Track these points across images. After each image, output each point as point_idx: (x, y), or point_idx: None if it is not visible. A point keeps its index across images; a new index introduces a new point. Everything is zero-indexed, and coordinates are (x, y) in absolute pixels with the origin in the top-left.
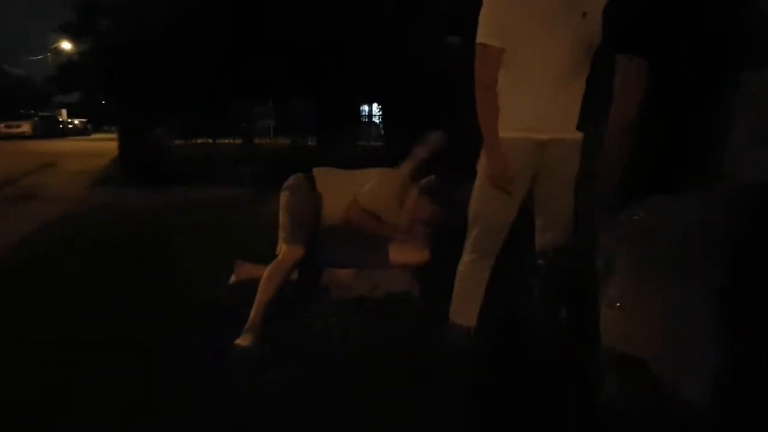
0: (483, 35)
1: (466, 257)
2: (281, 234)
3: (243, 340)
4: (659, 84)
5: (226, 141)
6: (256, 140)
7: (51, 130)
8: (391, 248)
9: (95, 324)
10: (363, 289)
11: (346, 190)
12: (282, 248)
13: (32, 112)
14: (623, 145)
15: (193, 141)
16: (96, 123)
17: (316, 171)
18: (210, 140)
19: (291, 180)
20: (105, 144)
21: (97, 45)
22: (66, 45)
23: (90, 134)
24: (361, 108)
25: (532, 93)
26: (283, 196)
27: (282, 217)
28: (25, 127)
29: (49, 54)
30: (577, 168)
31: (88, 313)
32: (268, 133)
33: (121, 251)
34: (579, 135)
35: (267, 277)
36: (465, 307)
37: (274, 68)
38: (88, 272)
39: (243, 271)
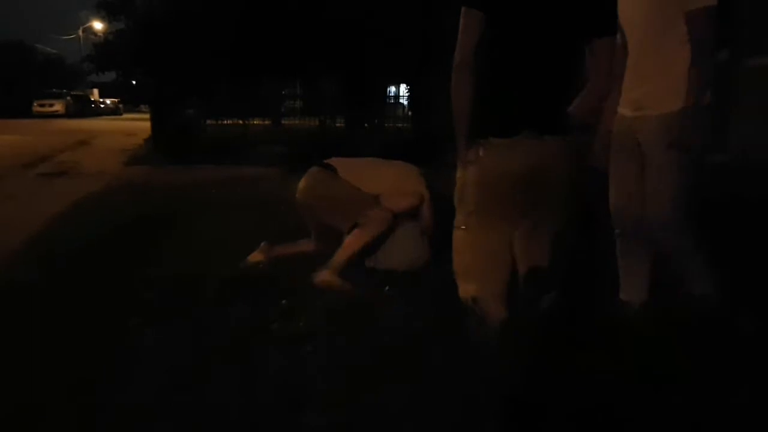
0: None
1: None
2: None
3: (325, 275)
4: (515, 45)
5: (256, 121)
6: (284, 121)
7: (83, 109)
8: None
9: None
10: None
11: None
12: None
13: (64, 91)
14: (466, 91)
15: (224, 121)
16: (128, 103)
17: (334, 161)
18: (240, 121)
19: (314, 171)
20: (138, 123)
21: (132, 23)
22: (98, 25)
23: (121, 114)
24: (388, 89)
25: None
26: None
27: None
28: (58, 106)
29: (81, 33)
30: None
31: (115, 288)
32: (297, 114)
33: (149, 227)
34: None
35: (363, 228)
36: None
37: (303, 48)
38: (116, 247)
39: (267, 251)
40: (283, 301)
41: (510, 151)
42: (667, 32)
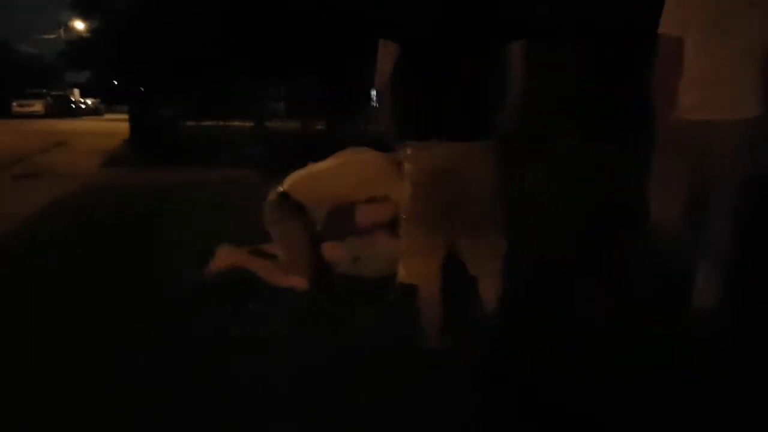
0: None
1: None
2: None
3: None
4: (426, 63)
5: (237, 123)
6: (267, 123)
7: (63, 109)
8: (358, 209)
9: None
10: (346, 262)
11: (323, 192)
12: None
13: (44, 91)
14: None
15: (204, 122)
16: (108, 103)
17: (288, 186)
18: (221, 122)
19: (269, 208)
20: (118, 124)
21: (107, 21)
22: (79, 24)
23: (102, 114)
24: (371, 91)
25: None
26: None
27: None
28: (38, 106)
29: (62, 32)
30: None
31: (77, 293)
32: (280, 116)
33: (119, 231)
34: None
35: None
36: None
37: (283, 49)
38: (83, 252)
39: (222, 257)
40: (250, 305)
41: (425, 153)
42: (734, 33)
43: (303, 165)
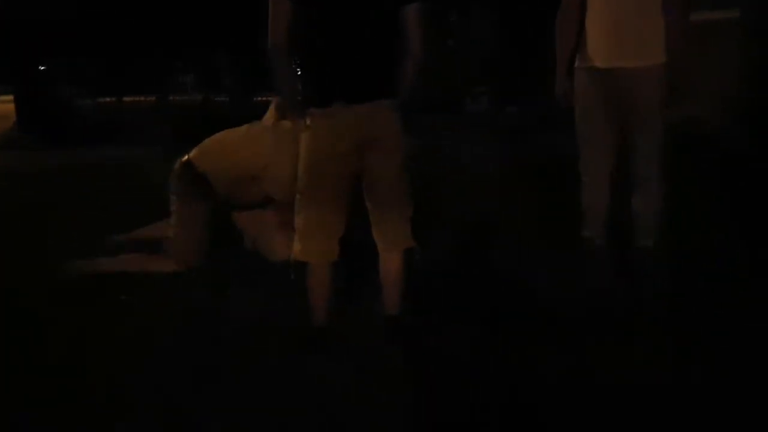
0: None
1: None
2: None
3: None
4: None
5: (140, 98)
6: (173, 97)
7: None
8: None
9: None
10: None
11: (231, 161)
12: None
13: None
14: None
15: (101, 99)
16: None
17: (195, 156)
18: (120, 98)
19: (174, 181)
20: (10, 106)
21: None
22: None
23: None
24: None
25: None
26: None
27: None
28: None
29: None
30: None
31: None
32: (185, 90)
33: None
34: None
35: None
36: None
37: (187, 21)
38: None
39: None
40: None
41: (327, 119)
42: None
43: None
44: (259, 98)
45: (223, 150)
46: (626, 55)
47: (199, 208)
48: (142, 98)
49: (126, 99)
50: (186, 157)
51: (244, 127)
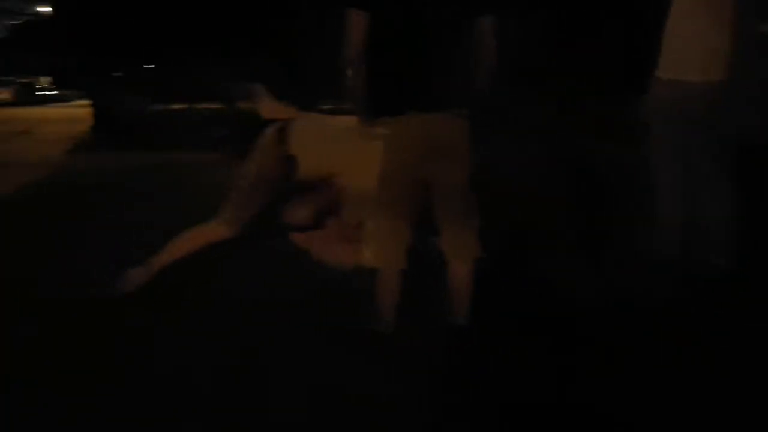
0: None
1: None
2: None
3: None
4: (396, 34)
5: (208, 105)
6: (240, 104)
7: (31, 96)
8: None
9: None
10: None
11: (327, 148)
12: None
13: (11, 78)
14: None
15: (171, 106)
16: (72, 89)
17: (296, 125)
18: (188, 105)
19: (262, 138)
20: (86, 110)
21: (70, 7)
22: (44, 9)
23: (70, 101)
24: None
25: None
26: (249, 162)
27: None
28: (5, 94)
29: (27, 18)
30: None
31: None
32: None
33: (87, 218)
34: None
35: (181, 239)
36: None
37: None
38: (52, 240)
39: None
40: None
41: (398, 128)
42: None
43: None
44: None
45: (319, 135)
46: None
47: (268, 175)
48: (211, 106)
49: (197, 106)
50: (282, 126)
51: (342, 119)
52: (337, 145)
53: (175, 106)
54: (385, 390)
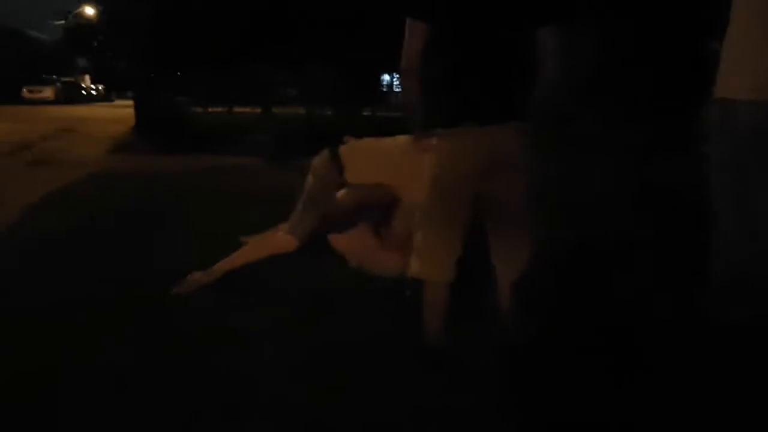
0: None
1: None
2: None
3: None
4: (455, 45)
5: (246, 109)
6: (276, 109)
7: (73, 95)
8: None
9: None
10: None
11: (376, 171)
12: (279, 231)
13: (55, 77)
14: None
15: (211, 108)
16: (114, 89)
17: (345, 150)
18: (228, 108)
19: (317, 161)
20: (127, 110)
21: (115, 7)
22: (89, 10)
23: (113, 100)
24: (382, 77)
25: None
26: (308, 179)
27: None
28: (48, 93)
29: (72, 18)
30: None
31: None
32: (291, 102)
33: (119, 222)
34: None
35: (248, 248)
36: None
37: (294, 34)
38: (82, 242)
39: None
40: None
41: (454, 140)
42: None
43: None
44: (365, 113)
45: (372, 155)
46: None
47: (325, 194)
48: (249, 109)
49: (235, 109)
50: (335, 148)
51: (393, 139)
52: (389, 160)
53: (218, 110)
54: (437, 404)
